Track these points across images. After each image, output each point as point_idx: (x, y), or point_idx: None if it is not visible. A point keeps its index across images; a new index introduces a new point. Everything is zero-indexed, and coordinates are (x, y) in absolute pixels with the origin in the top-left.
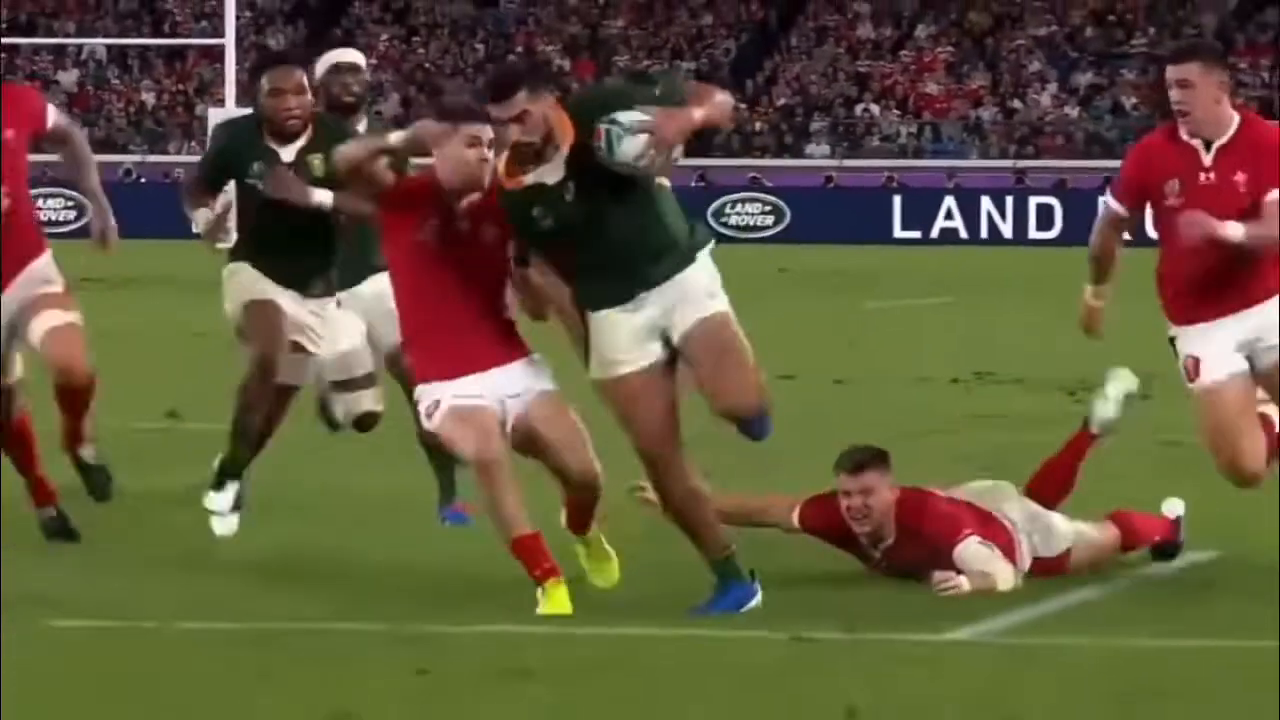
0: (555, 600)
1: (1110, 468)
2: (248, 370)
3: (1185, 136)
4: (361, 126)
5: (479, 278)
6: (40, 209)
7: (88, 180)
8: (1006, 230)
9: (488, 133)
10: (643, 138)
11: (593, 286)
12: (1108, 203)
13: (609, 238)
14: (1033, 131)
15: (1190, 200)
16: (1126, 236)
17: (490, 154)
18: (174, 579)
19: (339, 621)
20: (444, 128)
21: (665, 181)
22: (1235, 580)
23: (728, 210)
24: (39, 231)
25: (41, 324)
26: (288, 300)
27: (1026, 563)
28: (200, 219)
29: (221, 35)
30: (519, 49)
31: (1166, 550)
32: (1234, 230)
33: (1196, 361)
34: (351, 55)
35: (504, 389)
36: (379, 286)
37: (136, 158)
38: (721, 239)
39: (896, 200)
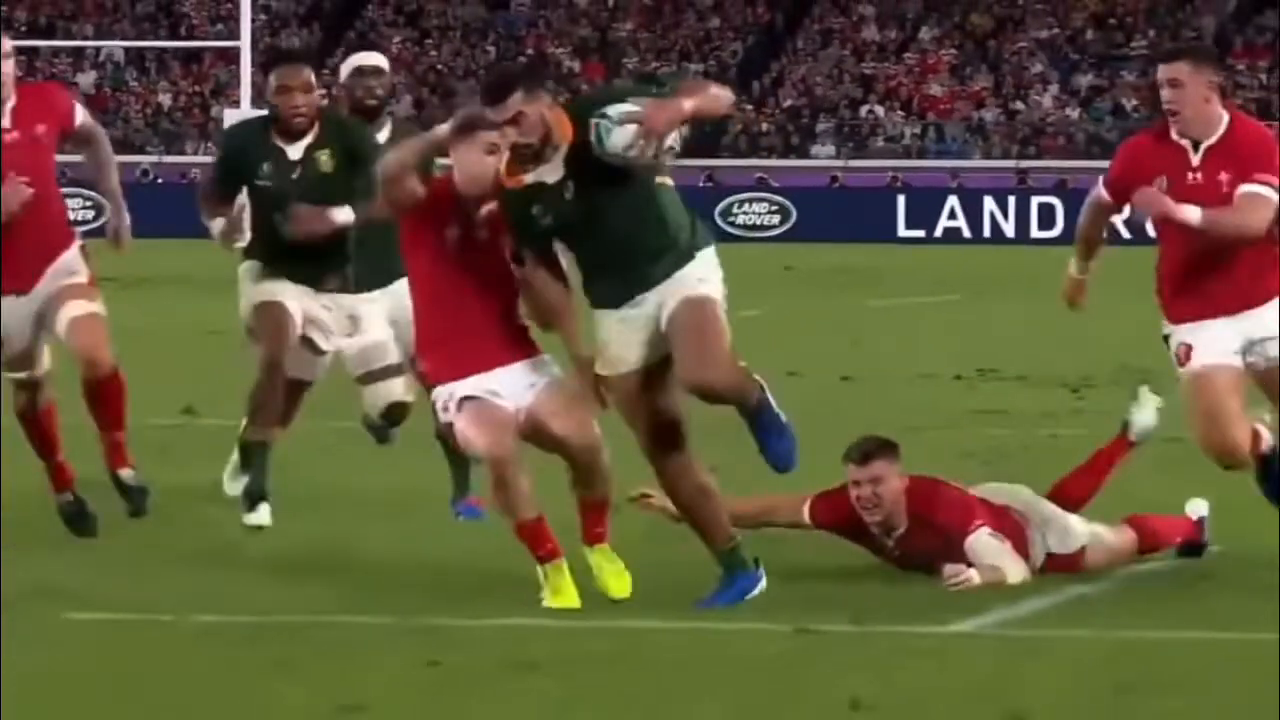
0: (563, 594)
1: None
2: (257, 371)
3: (1175, 136)
4: (385, 129)
5: (496, 283)
6: None
7: (108, 181)
8: (1009, 229)
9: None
10: (631, 128)
11: (594, 285)
12: (1098, 190)
13: (608, 236)
14: (1034, 132)
15: (1177, 199)
16: (1124, 232)
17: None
18: (189, 573)
19: (351, 614)
20: (468, 129)
21: (668, 181)
22: (1235, 574)
23: (735, 210)
24: (68, 225)
25: (66, 314)
26: (300, 295)
27: (1040, 558)
28: (216, 229)
29: (237, 38)
30: (529, 51)
31: (1193, 551)
32: (1190, 213)
33: (1189, 349)
34: (374, 58)
35: (517, 385)
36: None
37: (153, 158)
38: (729, 238)
39: (901, 200)
